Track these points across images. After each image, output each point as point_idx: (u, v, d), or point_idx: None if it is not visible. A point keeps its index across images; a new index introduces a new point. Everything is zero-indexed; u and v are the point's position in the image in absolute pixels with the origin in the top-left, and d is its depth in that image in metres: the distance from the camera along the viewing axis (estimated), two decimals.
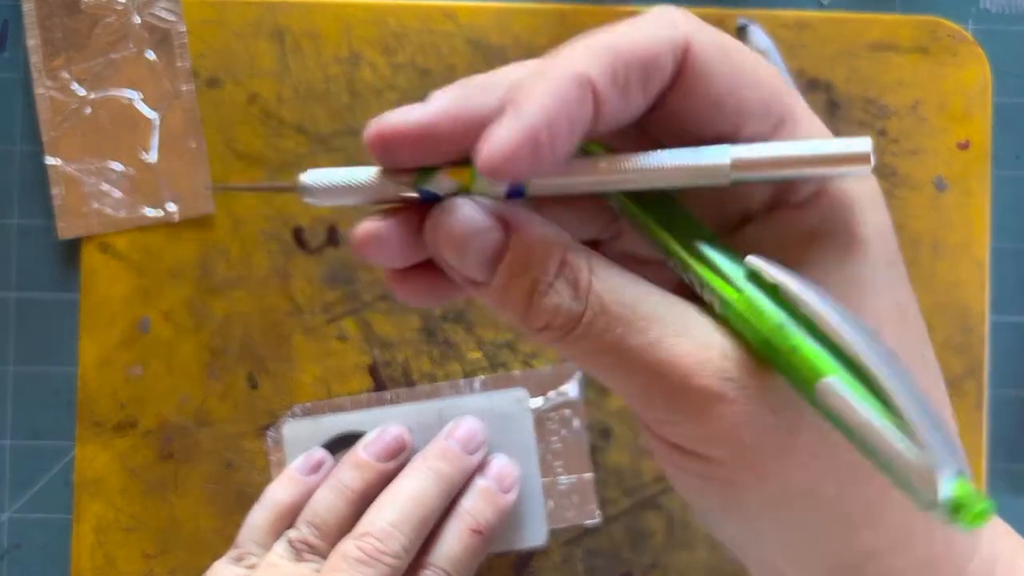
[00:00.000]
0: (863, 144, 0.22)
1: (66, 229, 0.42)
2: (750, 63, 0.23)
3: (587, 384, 0.42)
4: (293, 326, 0.42)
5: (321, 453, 0.41)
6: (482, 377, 0.42)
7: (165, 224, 0.42)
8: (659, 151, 0.23)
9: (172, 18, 0.42)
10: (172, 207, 0.42)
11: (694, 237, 0.23)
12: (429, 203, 0.23)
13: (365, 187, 0.23)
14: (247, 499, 0.41)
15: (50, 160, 0.42)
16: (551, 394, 0.42)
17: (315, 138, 0.43)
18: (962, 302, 0.43)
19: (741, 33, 0.42)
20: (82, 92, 0.42)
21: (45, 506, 0.43)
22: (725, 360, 0.22)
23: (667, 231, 0.23)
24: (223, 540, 0.40)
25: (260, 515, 0.39)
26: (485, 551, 0.39)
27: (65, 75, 0.42)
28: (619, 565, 0.42)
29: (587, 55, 0.21)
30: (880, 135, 0.43)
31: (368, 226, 0.24)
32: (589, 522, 0.42)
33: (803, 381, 0.21)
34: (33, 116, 0.42)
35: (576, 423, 0.42)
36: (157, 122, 0.42)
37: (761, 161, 0.22)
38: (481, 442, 0.40)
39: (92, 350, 0.42)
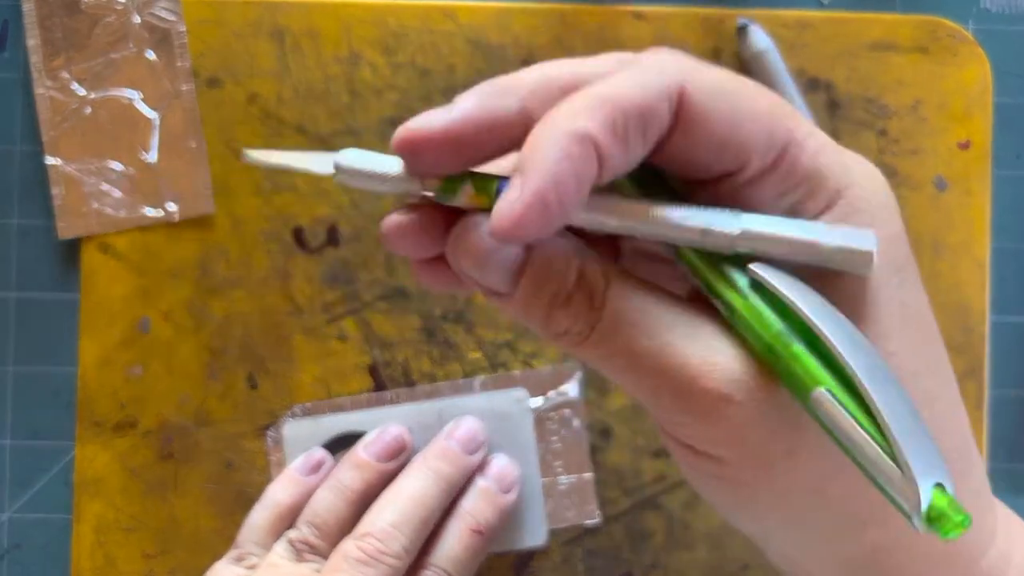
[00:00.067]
0: (868, 243, 0.23)
1: (66, 229, 0.42)
2: (747, 96, 0.23)
3: (587, 384, 0.42)
4: (293, 326, 0.42)
5: (321, 453, 0.41)
6: (482, 377, 0.42)
7: (165, 224, 0.42)
8: (671, 207, 0.23)
9: (172, 18, 0.42)
10: (172, 207, 0.42)
11: (721, 260, 0.24)
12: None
13: (394, 179, 0.24)
14: (247, 499, 0.41)
15: (50, 160, 0.42)
16: (551, 394, 0.42)
17: (315, 138, 0.43)
18: (962, 302, 0.43)
19: (741, 33, 0.42)
20: (82, 92, 0.42)
21: (45, 506, 0.43)
22: (732, 364, 0.23)
23: (695, 259, 0.24)
24: (223, 540, 0.40)
25: (260, 515, 0.39)
26: (485, 551, 0.39)
27: (65, 75, 0.42)
28: (619, 565, 0.42)
29: (586, 110, 0.22)
30: (880, 135, 0.43)
31: (395, 219, 0.25)
32: (589, 522, 0.42)
33: (799, 389, 0.22)
34: (33, 116, 0.42)
35: (576, 423, 0.42)
36: (157, 122, 0.42)
37: (767, 237, 0.23)
38: (481, 442, 0.40)
39: (92, 350, 0.42)
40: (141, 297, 0.42)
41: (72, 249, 0.42)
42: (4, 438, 0.43)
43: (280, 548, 0.37)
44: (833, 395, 0.22)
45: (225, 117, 0.43)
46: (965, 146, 0.43)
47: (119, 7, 0.42)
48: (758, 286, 0.23)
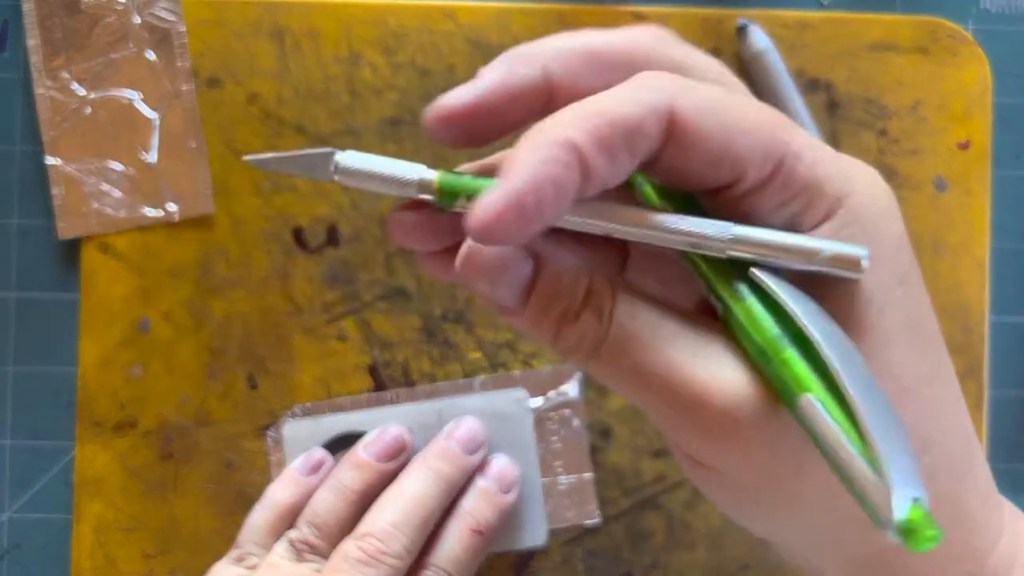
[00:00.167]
0: (858, 248, 0.23)
1: (66, 229, 0.42)
2: (740, 111, 0.24)
3: (587, 384, 0.42)
4: (293, 326, 0.42)
5: (321, 453, 0.41)
6: (482, 377, 0.42)
7: (165, 224, 0.42)
8: (666, 215, 0.24)
9: (172, 18, 0.42)
10: (172, 207, 0.42)
11: (723, 267, 0.24)
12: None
13: (393, 182, 0.25)
14: (247, 499, 0.41)
15: (50, 160, 0.42)
16: (551, 394, 0.42)
17: (315, 138, 0.43)
18: (962, 302, 0.43)
19: (741, 33, 0.42)
20: (82, 92, 0.42)
21: (45, 506, 0.43)
22: (738, 382, 0.23)
23: (702, 266, 0.24)
24: (223, 540, 0.40)
25: (260, 515, 0.39)
26: (485, 551, 0.39)
27: (65, 75, 0.42)
28: (619, 565, 0.42)
29: (574, 122, 0.22)
30: (880, 135, 0.43)
31: (400, 215, 0.25)
32: (589, 522, 0.42)
33: (788, 394, 0.22)
34: (33, 116, 0.42)
35: (576, 423, 0.42)
36: (157, 122, 0.42)
37: (757, 242, 0.23)
38: (481, 442, 0.40)
39: (92, 350, 0.42)
40: (141, 297, 0.42)
41: (72, 249, 0.42)
42: (4, 438, 0.43)
43: (280, 548, 0.37)
44: (820, 402, 0.22)
45: (225, 117, 0.43)
46: (965, 146, 0.43)
47: (119, 7, 0.42)
48: (758, 291, 0.23)
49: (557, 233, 0.24)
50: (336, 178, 0.25)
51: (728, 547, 0.42)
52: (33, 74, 0.42)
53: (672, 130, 0.23)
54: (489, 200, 0.22)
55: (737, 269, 0.24)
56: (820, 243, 0.23)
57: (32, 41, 0.42)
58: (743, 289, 0.23)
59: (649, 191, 0.25)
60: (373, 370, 0.42)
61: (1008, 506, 0.29)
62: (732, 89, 0.25)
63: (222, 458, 0.42)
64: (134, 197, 0.42)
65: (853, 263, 0.23)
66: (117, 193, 0.42)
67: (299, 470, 0.40)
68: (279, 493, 0.39)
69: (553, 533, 0.42)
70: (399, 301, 0.43)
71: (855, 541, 0.26)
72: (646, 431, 0.42)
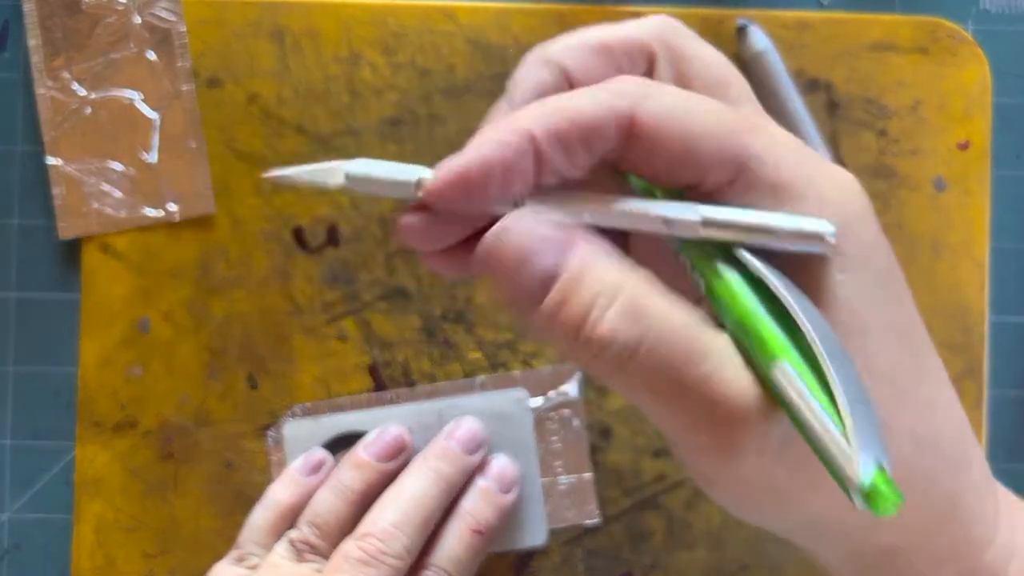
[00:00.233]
0: (825, 224, 0.24)
1: (66, 229, 0.42)
2: (701, 116, 0.24)
3: (587, 384, 0.42)
4: (293, 326, 0.42)
5: (321, 453, 0.41)
6: (482, 377, 0.42)
7: (165, 224, 0.42)
8: (637, 201, 0.25)
9: (172, 18, 0.42)
10: (173, 207, 0.42)
11: (712, 253, 0.25)
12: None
13: (400, 186, 0.25)
14: (247, 499, 0.41)
15: (51, 160, 0.42)
16: (551, 394, 0.42)
17: (315, 138, 0.43)
18: (962, 302, 0.43)
19: (741, 33, 0.42)
20: (83, 92, 0.42)
21: (45, 506, 0.43)
22: (747, 388, 0.23)
23: (692, 253, 0.25)
24: (223, 540, 0.40)
25: (261, 516, 0.39)
26: (486, 551, 0.39)
27: (66, 75, 0.42)
28: (619, 565, 0.42)
29: (536, 115, 0.24)
30: (880, 135, 0.43)
31: (409, 218, 0.25)
32: (589, 522, 0.42)
33: (764, 363, 0.23)
34: (34, 116, 0.42)
35: (576, 423, 0.42)
36: (157, 122, 0.42)
37: (726, 223, 0.24)
38: (481, 442, 0.40)
39: (92, 350, 0.42)
40: (141, 297, 0.42)
41: (72, 249, 0.43)
42: (4, 438, 0.43)
43: (281, 548, 0.37)
44: (794, 369, 0.22)
45: (225, 117, 0.43)
46: (964, 146, 0.43)
47: (120, 7, 0.42)
48: (739, 269, 0.24)
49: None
50: (347, 185, 0.26)
51: (728, 547, 0.42)
52: (34, 74, 0.42)
53: (632, 132, 0.24)
54: (442, 168, 0.24)
55: (718, 249, 0.24)
56: (786, 218, 0.24)
57: (33, 41, 0.42)
58: (723, 267, 0.24)
59: (638, 182, 0.26)
60: (373, 370, 0.42)
61: (1006, 498, 0.29)
62: (729, 87, 0.26)
63: (222, 458, 0.42)
64: (134, 197, 0.42)
65: (819, 238, 0.24)
66: (118, 193, 0.42)
67: (299, 470, 0.40)
68: (279, 493, 0.39)
69: (553, 533, 0.42)
70: (399, 301, 0.43)
71: (860, 540, 0.26)
72: (646, 431, 0.43)
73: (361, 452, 0.39)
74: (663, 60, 0.26)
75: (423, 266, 0.42)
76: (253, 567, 0.37)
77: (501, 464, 0.40)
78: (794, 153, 0.25)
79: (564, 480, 0.42)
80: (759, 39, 0.42)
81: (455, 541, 0.38)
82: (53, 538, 0.42)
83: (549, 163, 0.24)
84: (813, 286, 0.24)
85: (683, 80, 0.26)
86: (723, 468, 0.24)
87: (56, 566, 0.42)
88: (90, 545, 0.42)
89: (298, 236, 0.43)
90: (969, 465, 0.27)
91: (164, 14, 0.42)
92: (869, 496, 0.21)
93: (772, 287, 0.23)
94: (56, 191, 0.42)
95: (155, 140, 0.42)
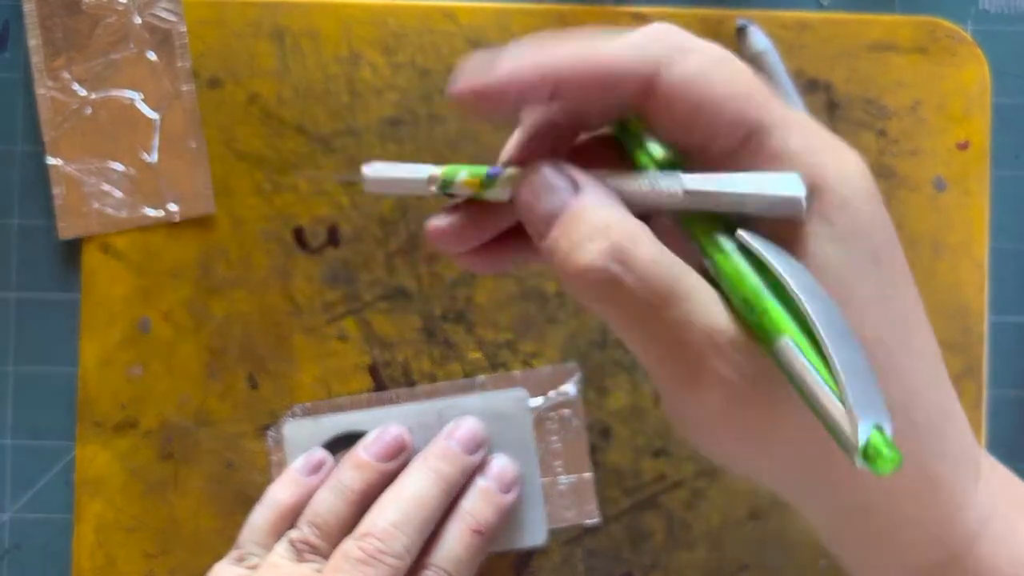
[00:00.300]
0: (796, 189, 0.25)
1: (67, 229, 0.42)
2: (720, 81, 0.26)
3: (587, 384, 0.43)
4: (293, 326, 0.42)
5: (321, 453, 0.41)
6: (482, 377, 0.42)
7: (166, 224, 0.42)
8: (625, 174, 0.27)
9: (173, 18, 0.42)
10: (173, 207, 0.42)
11: (711, 222, 0.27)
12: (479, 200, 0.28)
13: (410, 183, 0.29)
14: (247, 499, 0.41)
15: (51, 160, 0.42)
16: (551, 394, 0.42)
17: (315, 138, 0.43)
18: (961, 302, 0.43)
19: (740, 34, 0.42)
20: (83, 92, 0.42)
21: (45, 506, 0.43)
22: (734, 333, 0.25)
23: (690, 218, 0.27)
24: (223, 540, 0.40)
25: (261, 516, 0.39)
26: (486, 551, 0.39)
27: (66, 75, 0.42)
28: (619, 565, 0.42)
29: (564, 53, 0.26)
30: (880, 135, 0.43)
31: (436, 222, 0.29)
32: (589, 522, 0.42)
33: (768, 338, 0.25)
34: (34, 116, 0.42)
35: (576, 423, 0.42)
36: (158, 122, 0.42)
37: (706, 193, 0.26)
38: (481, 442, 0.40)
39: (92, 350, 0.42)
40: (142, 297, 0.42)
41: (73, 249, 0.43)
42: (5, 438, 0.43)
43: (281, 548, 0.37)
44: (796, 344, 0.24)
45: (225, 117, 0.43)
46: (964, 146, 0.43)
47: (120, 7, 0.42)
48: (744, 250, 0.26)
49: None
50: (366, 188, 0.29)
51: (728, 547, 0.42)
52: (34, 74, 0.42)
53: (652, 89, 0.26)
54: (465, 75, 0.26)
55: (723, 229, 0.26)
56: (761, 184, 0.25)
57: (33, 41, 0.42)
58: (729, 248, 0.26)
59: (645, 159, 0.28)
60: (373, 370, 0.43)
61: (993, 470, 0.31)
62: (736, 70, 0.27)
63: (222, 458, 0.42)
64: (135, 197, 0.42)
65: (795, 204, 0.25)
66: (118, 193, 0.42)
67: (299, 470, 0.40)
68: (280, 493, 0.39)
69: (553, 533, 0.42)
70: (399, 301, 0.43)
71: (829, 496, 0.28)
72: (646, 431, 0.43)
73: (361, 452, 0.39)
74: (667, 84, 0.27)
75: (423, 266, 0.42)
76: (253, 567, 0.37)
77: (501, 464, 0.40)
78: (803, 128, 0.26)
79: (564, 480, 0.42)
80: (759, 39, 0.42)
81: (455, 541, 0.38)
82: (53, 538, 0.42)
83: (564, 96, 0.26)
84: (804, 254, 0.25)
85: None
86: (693, 402, 0.26)
87: (56, 566, 0.42)
88: (90, 545, 0.42)
89: (298, 236, 0.43)
90: (945, 438, 0.28)
91: (164, 14, 0.42)
92: (867, 456, 0.23)
93: (772, 269, 0.24)
94: (56, 191, 0.42)
95: (155, 140, 0.42)
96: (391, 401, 0.42)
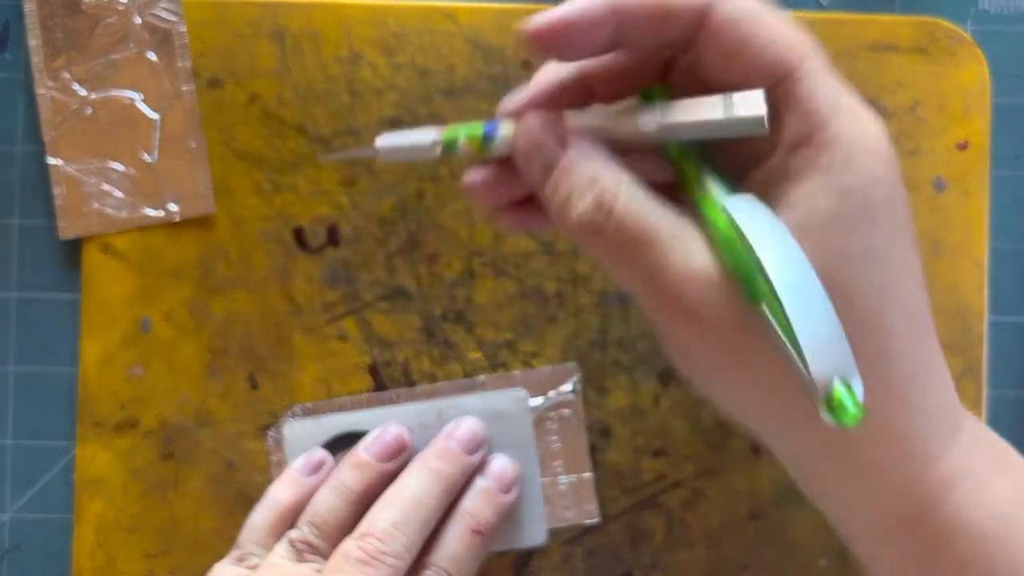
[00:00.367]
0: (757, 109, 0.28)
1: (67, 229, 0.42)
2: (768, 25, 0.28)
3: (587, 384, 0.43)
4: (293, 326, 0.42)
5: (322, 453, 0.41)
6: (482, 377, 0.43)
7: (166, 224, 0.42)
8: (606, 111, 0.30)
9: (173, 18, 0.42)
10: (173, 207, 0.42)
11: (708, 178, 0.30)
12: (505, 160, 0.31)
13: (417, 150, 0.32)
14: (248, 499, 0.41)
15: (51, 160, 0.42)
16: (551, 394, 0.42)
17: (315, 138, 0.43)
18: (961, 302, 0.43)
19: None
20: (83, 92, 0.42)
21: (45, 506, 0.43)
22: (708, 277, 0.28)
23: (687, 165, 0.30)
24: (224, 540, 0.40)
25: (261, 516, 0.39)
26: (486, 551, 0.39)
27: (66, 75, 0.42)
28: (619, 565, 0.42)
29: None
30: None
31: (470, 176, 0.32)
32: (589, 522, 0.42)
33: (755, 300, 0.27)
34: (34, 116, 0.42)
35: (575, 423, 0.42)
36: (158, 122, 0.42)
37: (678, 125, 0.29)
38: (481, 442, 0.40)
39: (93, 350, 0.42)
40: (142, 297, 0.42)
41: (73, 249, 0.43)
42: (5, 438, 0.43)
43: (281, 548, 0.37)
44: (768, 309, 0.27)
45: (226, 117, 0.43)
46: (964, 147, 0.43)
47: (120, 8, 0.42)
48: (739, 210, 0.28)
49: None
50: (381, 159, 0.33)
51: (728, 547, 0.43)
52: (34, 74, 0.42)
53: (705, 23, 0.28)
54: (539, 16, 0.29)
55: (717, 185, 0.29)
56: (723, 109, 0.28)
57: (33, 41, 0.42)
58: (721, 215, 0.28)
59: (674, 145, 0.31)
60: (373, 370, 0.43)
61: (974, 430, 0.32)
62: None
63: (223, 458, 0.42)
64: (135, 197, 0.42)
65: (756, 122, 0.28)
66: (118, 193, 0.42)
67: (300, 470, 0.40)
68: (280, 493, 0.39)
69: (553, 533, 0.42)
70: (399, 301, 0.43)
71: (806, 432, 0.30)
72: (646, 431, 0.43)
73: (361, 452, 0.39)
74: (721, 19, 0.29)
75: (423, 266, 0.43)
76: (253, 567, 0.37)
77: (501, 464, 0.40)
78: (831, 87, 0.28)
79: (564, 480, 0.42)
80: None
81: (455, 541, 0.38)
82: (53, 538, 0.43)
83: (627, 32, 0.29)
84: (796, 206, 0.28)
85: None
86: (674, 334, 0.30)
87: (56, 566, 0.42)
88: (90, 545, 0.42)
89: (298, 236, 0.43)
90: (921, 389, 0.30)
91: (164, 14, 0.42)
92: (831, 409, 0.25)
93: (747, 240, 0.27)
94: (57, 191, 0.42)
95: (155, 140, 0.42)
96: (391, 401, 0.42)
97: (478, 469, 0.40)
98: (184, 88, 0.42)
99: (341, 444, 0.41)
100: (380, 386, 0.42)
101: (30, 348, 0.43)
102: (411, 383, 0.43)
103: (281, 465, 0.42)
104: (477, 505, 0.39)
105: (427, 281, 0.43)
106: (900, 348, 0.29)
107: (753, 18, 0.28)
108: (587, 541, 0.43)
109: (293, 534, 0.38)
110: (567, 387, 0.42)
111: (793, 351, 0.26)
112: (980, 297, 0.43)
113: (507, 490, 0.40)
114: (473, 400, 0.42)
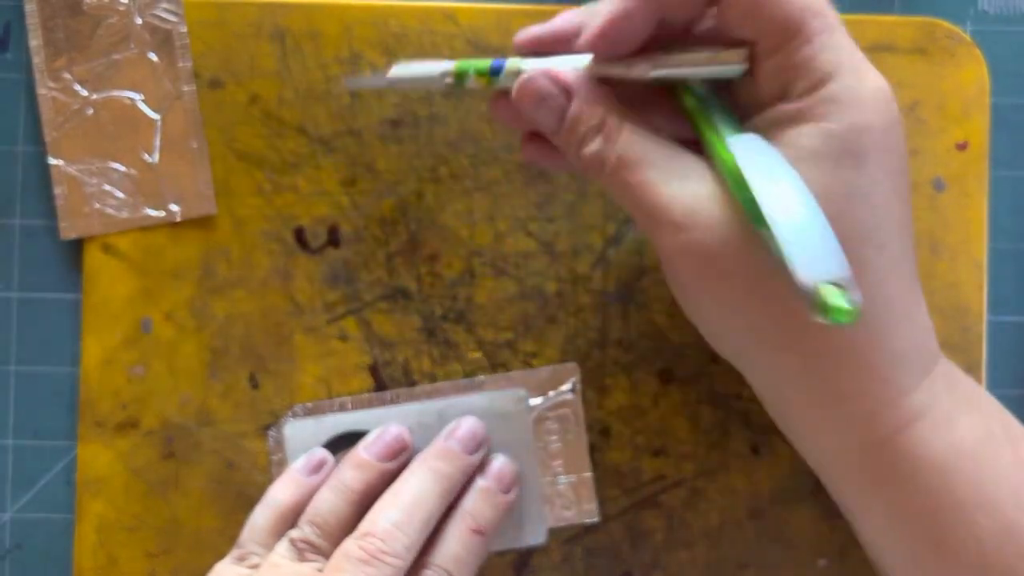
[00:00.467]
0: (737, 55, 0.32)
1: (68, 229, 0.42)
2: None
3: (586, 384, 0.43)
4: (294, 326, 0.43)
5: (322, 453, 0.41)
6: (482, 377, 0.43)
7: (167, 224, 0.42)
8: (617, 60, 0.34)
9: (174, 19, 0.42)
10: (174, 207, 0.42)
11: (717, 120, 0.33)
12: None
13: (427, 80, 0.37)
14: (248, 499, 0.41)
15: (52, 160, 0.42)
16: (550, 394, 0.42)
17: (316, 139, 0.43)
18: (960, 302, 0.43)
19: None
20: (84, 93, 0.42)
21: (47, 506, 0.43)
22: (695, 197, 0.32)
23: (700, 115, 0.33)
24: (225, 540, 0.40)
25: (262, 515, 0.39)
26: (486, 551, 0.39)
27: (67, 76, 0.42)
28: (619, 564, 0.43)
29: None
30: None
31: (495, 101, 0.36)
32: (588, 521, 0.42)
33: (757, 224, 0.30)
34: (36, 117, 0.43)
35: (575, 423, 0.42)
36: (159, 123, 0.42)
37: (669, 64, 0.33)
38: (481, 442, 0.40)
39: (94, 350, 0.42)
40: (143, 297, 0.42)
41: (74, 249, 0.43)
42: (6, 438, 0.43)
43: (282, 548, 0.37)
44: (769, 233, 0.29)
45: (226, 118, 0.43)
46: (963, 147, 0.43)
47: (121, 8, 0.42)
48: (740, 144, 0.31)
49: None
50: (391, 85, 0.38)
51: (727, 546, 0.43)
52: (35, 75, 0.42)
53: None
54: (596, 21, 0.33)
55: (728, 124, 0.32)
56: (706, 57, 0.32)
57: (34, 42, 0.42)
58: (724, 148, 0.31)
59: (689, 99, 0.34)
60: (374, 370, 0.43)
61: (945, 368, 0.34)
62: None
63: (223, 458, 0.42)
64: (136, 198, 0.42)
65: (740, 55, 0.32)
66: (119, 194, 0.42)
67: (300, 470, 0.40)
68: (280, 493, 0.39)
69: (553, 532, 0.42)
70: (400, 301, 0.43)
71: (779, 353, 0.33)
72: (646, 430, 0.43)
73: (362, 452, 0.39)
74: None
75: (423, 266, 0.43)
76: (254, 567, 0.37)
77: (501, 464, 0.40)
78: (840, 48, 0.31)
79: (563, 479, 0.42)
80: None
81: (455, 541, 0.38)
82: (54, 538, 0.43)
83: (667, 7, 0.32)
84: (789, 144, 0.31)
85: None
86: (668, 252, 0.33)
87: (57, 566, 0.43)
88: (92, 545, 0.42)
89: (299, 236, 0.43)
90: (894, 325, 0.32)
91: (165, 15, 0.42)
92: (823, 308, 0.27)
93: (743, 171, 0.30)
94: (58, 191, 0.42)
95: (156, 141, 0.42)
96: (391, 401, 0.42)
97: (478, 469, 0.40)
98: (185, 88, 0.42)
99: (342, 444, 0.41)
100: (380, 386, 0.43)
101: (31, 348, 0.43)
102: (411, 383, 0.43)
103: (282, 465, 0.42)
104: (477, 505, 0.39)
105: (427, 281, 0.43)
106: (879, 284, 0.31)
107: None
108: (587, 541, 0.43)
109: (294, 533, 0.38)
110: (567, 387, 0.43)
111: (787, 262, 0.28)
112: (979, 297, 0.43)
113: (507, 490, 0.40)
114: (473, 400, 0.42)
